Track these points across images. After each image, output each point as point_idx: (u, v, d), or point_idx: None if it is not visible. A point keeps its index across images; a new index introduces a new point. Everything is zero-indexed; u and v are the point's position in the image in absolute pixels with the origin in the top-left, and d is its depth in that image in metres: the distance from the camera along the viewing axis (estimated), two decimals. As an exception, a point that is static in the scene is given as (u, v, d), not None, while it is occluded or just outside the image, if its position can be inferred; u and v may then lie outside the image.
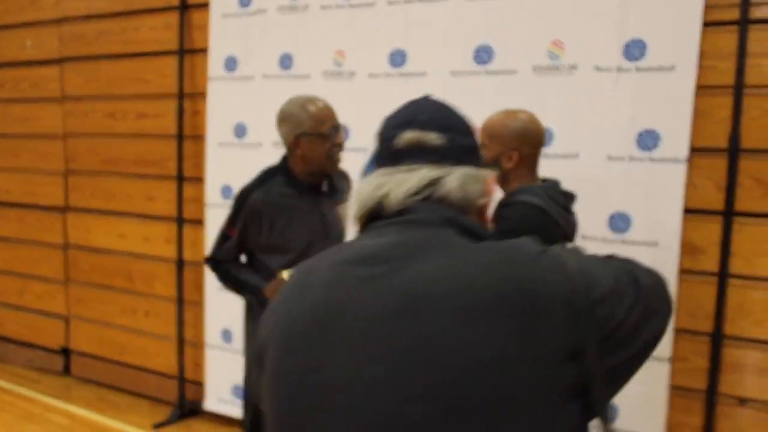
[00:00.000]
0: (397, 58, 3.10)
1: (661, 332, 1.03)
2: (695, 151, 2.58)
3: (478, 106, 2.91)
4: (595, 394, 0.94)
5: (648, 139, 2.62)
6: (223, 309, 3.70)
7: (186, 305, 3.94)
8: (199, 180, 3.79)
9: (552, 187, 2.05)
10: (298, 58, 3.34)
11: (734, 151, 2.54)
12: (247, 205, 2.29)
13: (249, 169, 3.44)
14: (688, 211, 2.59)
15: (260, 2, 3.41)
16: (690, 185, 2.58)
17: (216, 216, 3.63)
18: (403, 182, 1.06)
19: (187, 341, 3.95)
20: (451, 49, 2.97)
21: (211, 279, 3.68)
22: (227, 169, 3.61)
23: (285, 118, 2.32)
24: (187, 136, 3.81)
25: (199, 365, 3.94)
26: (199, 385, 3.91)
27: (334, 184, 2.40)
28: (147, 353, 4.15)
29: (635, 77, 2.63)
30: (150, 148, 3.99)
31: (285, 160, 2.37)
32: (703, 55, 2.52)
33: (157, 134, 3.94)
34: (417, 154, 1.09)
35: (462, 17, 2.93)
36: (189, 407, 3.92)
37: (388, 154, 1.11)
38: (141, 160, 4.04)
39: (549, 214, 1.93)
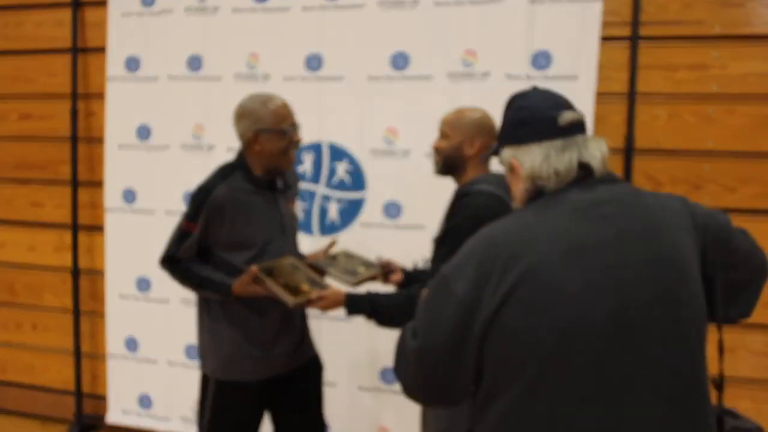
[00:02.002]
0: (314, 62, 3.26)
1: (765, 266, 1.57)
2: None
3: (395, 110, 3.20)
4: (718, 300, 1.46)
5: (554, 141, 2.98)
6: (126, 317, 3.67)
7: (81, 315, 3.84)
8: (94, 184, 3.73)
9: (502, 177, 2.28)
10: (209, 60, 3.40)
11: (629, 150, 2.95)
12: (209, 200, 2.33)
13: (155, 172, 3.52)
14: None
15: (165, 2, 3.43)
16: (590, 182, 2.96)
17: (117, 221, 3.62)
18: (592, 151, 1.45)
19: (83, 353, 3.86)
20: (368, 54, 3.18)
21: (113, 286, 3.66)
22: (129, 172, 3.59)
23: (244, 114, 2.40)
24: (81, 138, 3.73)
25: (97, 377, 3.87)
26: (98, 398, 3.84)
27: (287, 181, 2.52)
28: (34, 370, 4.00)
29: (542, 85, 2.96)
30: (35, 151, 3.85)
31: (241, 157, 2.45)
32: (600, 67, 2.90)
33: (45, 136, 3.82)
34: (579, 128, 1.49)
35: (378, 24, 3.16)
36: (87, 422, 3.83)
37: (554, 130, 1.46)
38: (24, 163, 3.89)
39: (506, 202, 2.18)
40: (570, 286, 1.30)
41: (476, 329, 1.34)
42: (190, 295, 3.52)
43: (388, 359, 3.32)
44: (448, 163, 2.29)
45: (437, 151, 2.31)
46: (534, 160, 1.45)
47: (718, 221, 1.50)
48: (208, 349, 2.48)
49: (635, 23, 2.91)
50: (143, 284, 3.62)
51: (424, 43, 3.10)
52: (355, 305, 2.29)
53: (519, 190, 1.51)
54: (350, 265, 2.48)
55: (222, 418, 2.45)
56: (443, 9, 3.06)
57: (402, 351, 1.51)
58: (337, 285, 2.42)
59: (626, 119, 2.97)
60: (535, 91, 1.59)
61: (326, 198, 3.30)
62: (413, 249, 2.99)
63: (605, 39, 2.90)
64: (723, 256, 1.47)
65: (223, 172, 2.42)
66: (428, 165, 3.12)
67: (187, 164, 3.47)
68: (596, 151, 1.45)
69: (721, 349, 1.56)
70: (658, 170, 2.96)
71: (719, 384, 1.57)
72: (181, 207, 3.49)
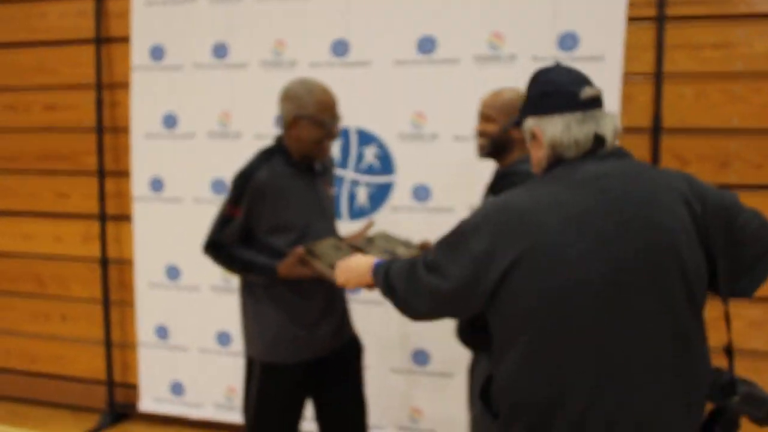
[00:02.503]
0: (340, 48, 3.30)
1: None
2: (623, 131, 3.01)
3: (422, 94, 3.26)
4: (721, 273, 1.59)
5: (582, 122, 3.03)
6: (156, 305, 3.73)
7: (110, 305, 3.91)
8: (120, 174, 3.79)
9: None
10: (234, 47, 3.45)
11: (656, 130, 3.01)
12: (251, 184, 2.38)
13: (181, 160, 3.58)
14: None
15: (189, -10, 3.47)
16: (618, 161, 3.02)
17: (145, 210, 3.67)
18: (607, 126, 1.62)
19: (113, 343, 3.92)
20: (395, 38, 3.23)
21: (142, 275, 3.72)
22: (156, 161, 3.64)
23: (288, 97, 2.43)
24: (106, 128, 3.78)
25: (128, 367, 3.94)
26: (129, 387, 3.91)
27: (325, 164, 2.58)
28: (64, 360, 4.07)
29: (570, 65, 3.02)
30: (60, 143, 3.90)
31: (280, 141, 2.50)
32: (626, 47, 2.95)
33: (69, 127, 3.87)
34: (597, 103, 1.64)
35: (404, 8, 3.20)
36: (120, 411, 3.90)
37: (575, 103, 1.61)
38: (48, 155, 3.94)
39: None
40: (569, 253, 1.48)
41: (485, 284, 1.54)
42: (220, 282, 3.61)
43: (420, 341, 3.44)
44: (496, 146, 2.31)
45: (483, 134, 2.33)
46: (555, 129, 1.60)
47: (723, 199, 1.61)
48: (252, 332, 2.54)
49: (661, 3, 2.96)
50: (173, 272, 3.68)
51: (451, 26, 3.15)
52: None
53: (538, 157, 1.67)
54: (389, 245, 2.53)
55: (268, 401, 2.52)
56: (470, -8, 3.11)
57: (409, 279, 1.70)
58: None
59: (653, 99, 3.02)
60: (558, 67, 1.72)
61: (355, 183, 3.36)
62: (443, 232, 3.05)
63: (631, 19, 2.94)
64: (728, 233, 1.59)
65: (264, 156, 2.46)
66: (457, 148, 3.22)
67: (214, 152, 3.53)
68: (610, 125, 1.62)
69: (727, 320, 1.67)
70: (686, 148, 3.02)
71: (728, 351, 1.68)
72: (209, 195, 3.56)
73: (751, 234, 1.62)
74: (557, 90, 1.63)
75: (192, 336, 3.71)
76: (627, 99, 3.00)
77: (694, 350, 1.55)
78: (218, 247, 2.48)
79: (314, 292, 2.46)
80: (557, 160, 1.61)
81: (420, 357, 3.38)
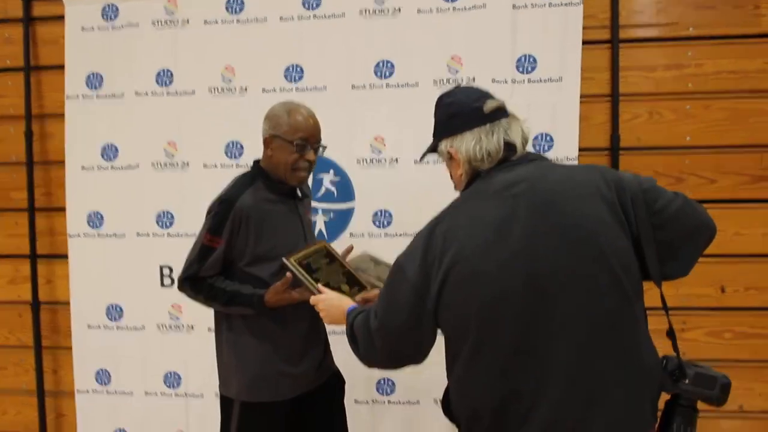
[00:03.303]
0: (293, 73, 3.22)
1: (707, 225, 1.72)
2: (581, 150, 3.07)
3: (382, 118, 3.21)
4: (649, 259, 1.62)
5: (543, 142, 3.07)
6: (95, 349, 3.49)
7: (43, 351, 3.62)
8: (52, 210, 3.54)
9: None
10: (180, 74, 3.31)
11: (614, 150, 3.08)
12: (234, 212, 2.25)
13: (123, 193, 3.38)
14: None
15: (129, 16, 3.32)
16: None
17: (82, 247, 3.45)
18: (515, 132, 1.71)
19: (46, 392, 3.63)
20: (351, 63, 3.19)
21: (80, 317, 3.48)
22: (94, 194, 3.43)
23: (268, 116, 2.37)
24: (37, 162, 3.53)
25: (62, 416, 3.67)
26: (64, 439, 3.62)
27: (304, 189, 2.48)
28: (-12, 414, 3.73)
29: (527, 88, 3.06)
30: (-21, 179, 3.61)
31: (258, 165, 2.40)
32: (583, 69, 3.02)
33: (-11, 162, 3.59)
34: (502, 113, 1.74)
35: (360, 32, 3.17)
36: (55, 466, 3.61)
37: (481, 117, 1.70)
38: (-33, 192, 3.63)
39: None
40: (488, 263, 1.56)
41: (429, 305, 1.62)
42: (167, 320, 3.42)
43: (384, 371, 3.34)
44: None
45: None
46: (468, 145, 1.70)
47: (641, 184, 1.67)
48: (230, 369, 2.39)
49: (615, 26, 3.05)
50: (114, 312, 3.46)
51: (409, 50, 3.14)
52: None
53: (458, 175, 1.77)
54: (381, 272, 2.45)
55: (249, 444, 2.37)
56: (426, 16, 3.12)
57: (365, 331, 1.75)
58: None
59: (610, 119, 3.10)
60: (459, 89, 1.85)
61: (313, 210, 3.26)
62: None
63: (586, 43, 3.02)
64: (649, 216, 1.64)
65: (246, 181, 2.35)
66: (417, 172, 3.18)
67: (159, 183, 3.37)
68: (517, 132, 1.72)
69: (664, 305, 1.74)
70: (642, 167, 3.10)
71: (670, 334, 1.75)
72: (154, 229, 3.38)
73: (672, 215, 1.66)
74: (462, 109, 1.74)
75: (137, 379, 3.48)
76: (584, 119, 3.06)
77: (630, 339, 1.58)
78: (198, 281, 2.32)
79: (296, 321, 2.35)
80: (474, 174, 1.71)
81: (384, 386, 3.30)
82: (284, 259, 2.20)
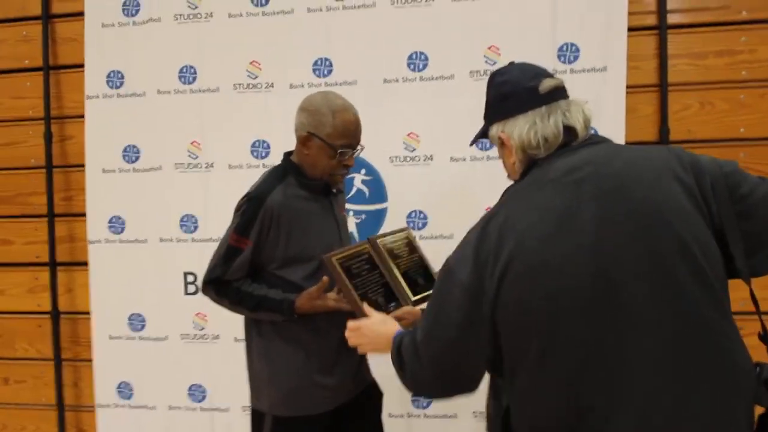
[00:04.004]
0: (322, 68, 3.08)
1: None
2: (627, 144, 2.88)
3: (415, 114, 3.06)
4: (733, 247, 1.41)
5: (587, 136, 2.89)
6: (117, 361, 3.35)
7: (63, 364, 3.48)
8: (72, 215, 3.42)
9: None
10: (203, 70, 3.19)
11: (664, 143, 2.90)
12: (264, 210, 2.08)
13: (146, 197, 3.25)
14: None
15: (151, 10, 3.20)
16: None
17: (103, 254, 3.31)
18: (575, 115, 1.50)
19: (66, 406, 3.48)
20: (382, 55, 3.05)
21: (101, 327, 3.33)
22: (115, 198, 3.30)
23: (308, 109, 2.17)
24: (56, 165, 3.40)
25: (82, 431, 3.49)
26: (85, 456, 3.47)
27: (339, 187, 2.32)
28: (7, 430, 3.58)
29: (570, 78, 2.88)
30: (2, 183, 3.49)
31: (289, 159, 2.23)
32: (629, 57, 2.85)
33: (11, 166, 3.46)
34: (561, 94, 1.54)
35: (391, 23, 3.03)
36: (76, 483, 3.45)
37: (535, 98, 1.51)
38: (-17, 198, 3.52)
39: None
40: (551, 259, 1.36)
41: (485, 308, 1.41)
42: (191, 329, 3.27)
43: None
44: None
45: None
46: (521, 129, 1.51)
47: (721, 167, 1.46)
48: (262, 380, 2.23)
49: (662, 12, 2.88)
50: (137, 322, 3.32)
51: (443, 41, 3.00)
52: None
53: (511, 164, 1.58)
54: (412, 268, 2.27)
55: (283, 462, 2.19)
56: (461, 4, 2.97)
57: (411, 348, 1.55)
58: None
59: (658, 110, 2.92)
60: (513, 66, 1.64)
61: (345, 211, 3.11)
62: (441, 260, 2.81)
63: (631, 29, 2.86)
64: (732, 203, 1.43)
65: (276, 176, 2.18)
66: (454, 170, 3.02)
67: (183, 185, 3.24)
68: (579, 114, 1.52)
69: (755, 303, 1.52)
70: (693, 161, 2.92)
71: (763, 338, 1.52)
72: (177, 233, 3.25)
73: (759, 202, 1.45)
74: (515, 89, 1.55)
75: (160, 392, 3.34)
76: (630, 111, 2.89)
77: (721, 337, 1.37)
78: (223, 285, 2.15)
79: (331, 326, 2.17)
80: (530, 162, 1.52)
81: (420, 399, 3.12)
82: (325, 258, 2.00)
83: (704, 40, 2.91)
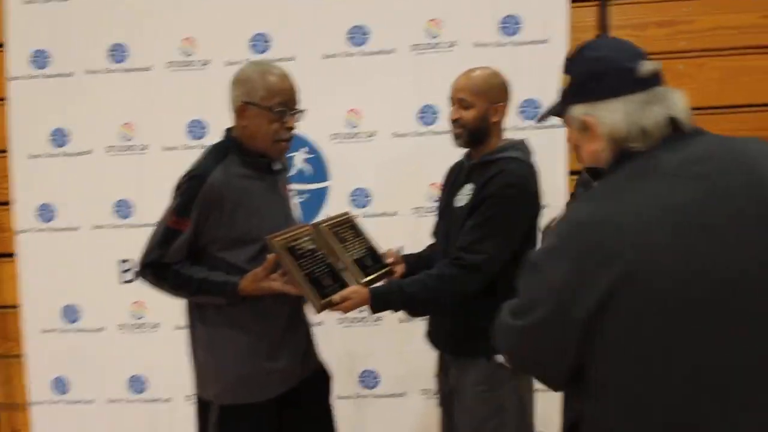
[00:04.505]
0: (259, 43, 2.98)
1: None
2: (571, 117, 2.87)
3: (356, 89, 2.99)
4: None
5: (530, 109, 2.87)
6: (51, 355, 3.20)
7: (-10, 361, 3.31)
8: (-5, 204, 3.23)
9: (524, 143, 2.19)
10: (134, 49, 3.05)
11: (606, 114, 2.89)
12: (204, 189, 1.97)
13: (76, 182, 3.10)
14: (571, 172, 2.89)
15: (77, -15, 3.04)
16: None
17: (32, 243, 3.16)
18: (678, 105, 1.34)
19: (-3, 405, 3.32)
20: (321, 30, 2.97)
21: (32, 321, 3.18)
22: (43, 185, 3.15)
23: (239, 80, 2.07)
24: (-25, 153, 3.23)
25: (16, 431, 3.32)
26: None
27: (283, 164, 2.22)
28: (-67, 433, 3.39)
29: (512, 51, 2.86)
30: None
31: (230, 135, 2.12)
32: (570, 29, 2.83)
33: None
34: (658, 79, 1.36)
35: (330, -2, 2.94)
36: (10, 485, 3.29)
37: (633, 82, 1.33)
38: None
39: (536, 170, 2.10)
40: (673, 266, 1.19)
41: (579, 315, 1.24)
42: (128, 320, 3.15)
43: (366, 362, 3.11)
44: (474, 135, 2.13)
45: (459, 123, 2.13)
46: (614, 117, 1.33)
47: None
48: (206, 368, 2.12)
49: (603, -18, 2.88)
50: (71, 314, 3.18)
51: (383, 14, 2.94)
52: (384, 301, 2.06)
53: (593, 150, 1.38)
54: (359, 250, 2.21)
55: (230, 452, 2.10)
56: (401, -23, 2.90)
57: (503, 330, 1.43)
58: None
59: (600, 82, 2.91)
60: (607, 41, 1.51)
61: (286, 192, 3.02)
62: (386, 238, 2.73)
63: (572, 1, 2.84)
64: None
65: (216, 154, 2.07)
66: (397, 146, 2.96)
67: (115, 169, 3.11)
68: (680, 102, 1.35)
69: None
70: (634, 132, 2.92)
71: None
72: (112, 219, 3.11)
73: None
74: (609, 68, 1.36)
75: (98, 386, 3.21)
76: (573, 84, 2.87)
77: None
78: (161, 268, 2.03)
79: (277, 308, 2.09)
80: (622, 153, 1.34)
81: (368, 379, 3.07)
82: (270, 239, 1.93)
83: (644, 11, 2.92)
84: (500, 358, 2.04)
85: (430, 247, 2.40)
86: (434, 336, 2.28)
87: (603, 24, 2.89)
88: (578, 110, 1.38)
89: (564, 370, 1.34)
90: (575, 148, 1.45)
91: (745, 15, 2.85)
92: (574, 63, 1.43)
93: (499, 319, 1.43)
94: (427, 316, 2.31)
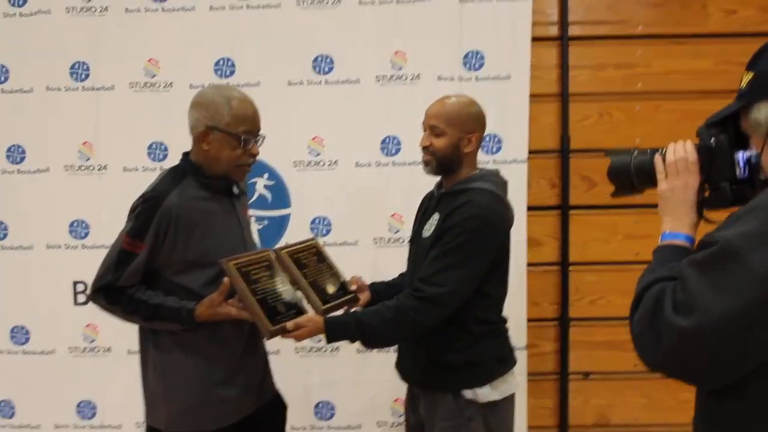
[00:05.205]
0: (224, 67, 2.97)
1: None
2: (530, 153, 2.92)
3: (320, 117, 3.00)
4: None
5: (492, 144, 2.91)
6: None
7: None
8: (-54, 220, 3.15)
9: (497, 175, 2.17)
10: (97, 67, 3.02)
11: (564, 151, 2.95)
12: (160, 212, 1.94)
13: (32, 200, 3.04)
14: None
15: (40, 2, 3.00)
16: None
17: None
18: None
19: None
20: (287, 57, 2.98)
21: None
22: (-5, 203, 3.07)
23: (201, 103, 2.04)
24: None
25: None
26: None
27: (240, 185, 2.20)
28: None
29: (475, 86, 2.90)
30: None
31: (188, 158, 2.10)
32: (532, 67, 2.89)
33: None
34: None
35: (297, 25, 2.97)
36: None
37: None
38: None
39: (507, 203, 2.07)
40: None
41: None
42: (79, 343, 3.09)
43: (322, 393, 3.09)
44: (444, 164, 2.10)
45: (429, 150, 2.11)
46: None
47: None
48: (158, 395, 2.08)
49: (564, 23, 2.96)
50: (20, 335, 3.10)
51: (349, 44, 2.97)
52: (340, 331, 2.03)
53: None
54: (320, 277, 2.19)
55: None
56: (368, 8, 2.96)
57: (655, 324, 1.21)
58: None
59: (559, 119, 2.99)
60: None
61: (246, 217, 3.00)
62: (346, 267, 2.71)
63: (535, 40, 2.92)
64: None
65: (173, 177, 2.04)
66: (358, 175, 2.98)
67: (72, 189, 3.05)
68: None
69: None
70: (592, 169, 3.00)
71: None
72: (66, 240, 3.05)
73: None
74: None
75: (45, 410, 3.12)
76: (533, 120, 2.94)
77: None
78: (115, 292, 1.99)
79: (233, 334, 2.06)
80: None
81: (324, 410, 3.04)
82: (223, 262, 1.92)
83: (603, 53, 3.01)
84: (468, 393, 2.05)
85: (402, 275, 2.37)
86: (402, 368, 2.26)
87: (563, 63, 2.96)
88: (764, 111, 1.24)
89: (736, 377, 1.17)
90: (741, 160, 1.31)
91: (699, 61, 2.96)
92: (764, 56, 1.28)
93: (656, 320, 1.21)
94: (386, 348, 2.30)
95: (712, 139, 1.36)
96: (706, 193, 1.38)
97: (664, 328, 1.18)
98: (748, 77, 1.28)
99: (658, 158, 1.44)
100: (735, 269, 1.12)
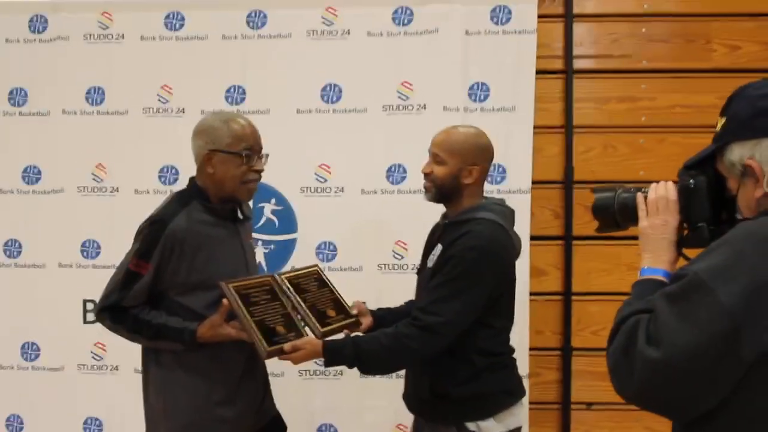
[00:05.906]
0: (235, 95, 3.05)
1: None
2: (534, 183, 2.95)
3: (328, 145, 3.05)
4: None
5: (496, 174, 2.95)
6: (7, 393, 3.21)
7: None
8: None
9: (501, 204, 2.19)
10: (112, 93, 3.12)
11: (568, 183, 2.98)
12: (166, 234, 2.01)
13: (45, 220, 3.12)
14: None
15: (59, 28, 3.11)
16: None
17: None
18: None
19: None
20: (297, 86, 3.05)
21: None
22: (12, 221, 3.18)
23: (202, 131, 2.12)
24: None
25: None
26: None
27: (245, 211, 2.27)
28: None
29: (480, 117, 2.94)
30: None
31: (194, 183, 2.17)
32: (536, 99, 2.93)
33: None
34: None
35: (307, 55, 3.05)
36: None
37: None
38: None
39: (509, 233, 2.07)
40: None
41: (745, 352, 1.12)
42: (88, 360, 3.14)
43: (325, 416, 3.11)
44: (442, 192, 2.13)
45: (429, 178, 2.14)
46: None
47: None
48: (158, 412, 2.14)
49: (569, 56, 3.00)
50: (30, 351, 3.17)
51: (357, 75, 3.03)
52: (337, 356, 2.05)
53: (754, 198, 1.26)
54: (321, 301, 2.23)
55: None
56: (376, 40, 3.03)
57: (629, 356, 1.23)
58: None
59: (563, 151, 3.03)
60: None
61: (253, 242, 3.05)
62: (350, 293, 2.76)
63: (539, 72, 2.96)
64: None
65: (179, 201, 2.12)
66: (364, 202, 3.03)
67: (85, 209, 3.14)
68: None
69: None
70: (595, 201, 3.01)
71: None
72: (78, 259, 3.13)
73: None
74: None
75: (53, 426, 3.18)
76: (537, 151, 2.98)
77: None
78: (120, 311, 2.06)
79: (234, 355, 2.11)
80: None
81: (325, 433, 3.08)
82: (222, 284, 1.98)
83: (607, 86, 3.05)
84: (472, 426, 2.05)
85: (408, 303, 2.38)
86: (407, 398, 2.26)
87: (568, 95, 3.00)
88: (737, 152, 1.27)
89: (707, 408, 1.19)
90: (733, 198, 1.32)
91: (703, 96, 2.99)
92: (737, 99, 1.31)
93: (629, 352, 1.23)
94: (385, 374, 2.31)
95: (691, 180, 1.42)
96: (685, 232, 1.42)
97: (637, 360, 1.20)
98: (721, 122, 1.33)
99: (639, 197, 1.50)
100: (702, 301, 1.14)
